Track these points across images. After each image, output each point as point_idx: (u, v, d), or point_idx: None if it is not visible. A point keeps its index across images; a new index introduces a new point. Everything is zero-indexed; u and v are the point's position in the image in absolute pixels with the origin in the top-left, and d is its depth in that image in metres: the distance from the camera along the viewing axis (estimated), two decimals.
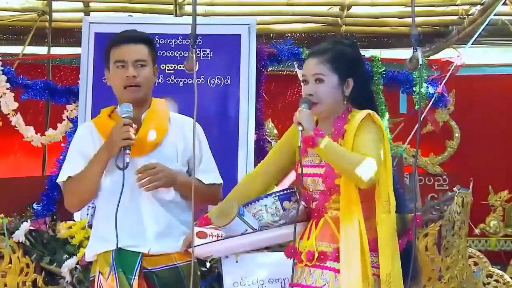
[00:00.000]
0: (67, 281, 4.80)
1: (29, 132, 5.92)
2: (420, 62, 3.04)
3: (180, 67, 5.48)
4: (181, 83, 5.61)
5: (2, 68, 5.83)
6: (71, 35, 7.27)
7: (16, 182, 5.71)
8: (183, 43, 5.61)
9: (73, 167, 3.38)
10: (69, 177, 3.38)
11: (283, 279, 4.39)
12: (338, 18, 7.29)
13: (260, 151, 5.74)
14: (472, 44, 6.19)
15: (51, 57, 7.07)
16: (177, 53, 5.57)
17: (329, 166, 3.14)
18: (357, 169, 3.00)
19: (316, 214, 3.22)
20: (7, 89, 5.81)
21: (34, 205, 5.39)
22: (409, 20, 7.29)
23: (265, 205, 3.27)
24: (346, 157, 3.05)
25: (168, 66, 5.47)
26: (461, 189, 5.04)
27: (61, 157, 5.61)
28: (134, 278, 3.27)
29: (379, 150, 3.10)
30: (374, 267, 3.09)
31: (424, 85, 5.78)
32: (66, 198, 3.44)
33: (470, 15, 7.04)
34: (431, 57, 7.17)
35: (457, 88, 6.51)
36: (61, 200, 5.26)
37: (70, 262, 4.78)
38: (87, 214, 4.89)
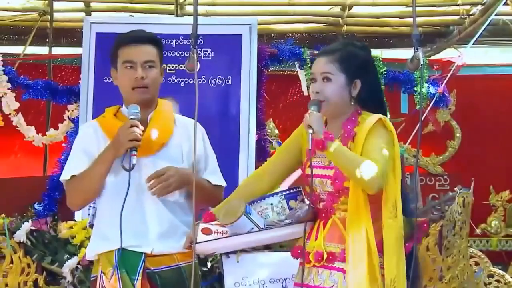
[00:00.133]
0: (68, 281, 4.80)
1: (30, 132, 5.92)
2: (421, 62, 3.04)
3: (181, 67, 5.48)
4: (182, 83, 5.62)
5: (3, 68, 5.83)
6: (72, 35, 7.27)
7: (17, 182, 5.72)
8: (184, 43, 5.62)
9: (77, 165, 3.38)
10: (73, 175, 3.37)
11: (284, 279, 4.40)
12: (339, 18, 7.29)
13: (261, 151, 5.75)
14: (473, 44, 6.19)
15: (52, 57, 7.07)
16: (178, 53, 5.58)
17: (338, 168, 3.14)
18: (365, 175, 3.00)
19: (323, 215, 3.21)
20: (8, 89, 5.82)
21: (35, 205, 5.39)
22: (410, 20, 7.27)
23: (271, 204, 3.28)
24: (355, 162, 3.04)
25: (169, 66, 5.48)
26: (462, 189, 5.03)
27: (62, 157, 5.62)
28: (137, 279, 3.27)
29: (388, 156, 3.10)
30: (382, 268, 3.08)
31: (425, 85, 5.78)
32: (68, 197, 3.43)
33: (471, 15, 7.03)
34: (432, 57, 7.17)
35: (458, 88, 6.50)
36: (62, 200, 5.30)
37: (71, 262, 4.78)
38: (88, 214, 4.89)
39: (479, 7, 6.91)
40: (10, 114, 5.84)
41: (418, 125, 3.27)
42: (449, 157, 6.96)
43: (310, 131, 3.08)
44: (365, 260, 3.03)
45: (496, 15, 6.48)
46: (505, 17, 7.10)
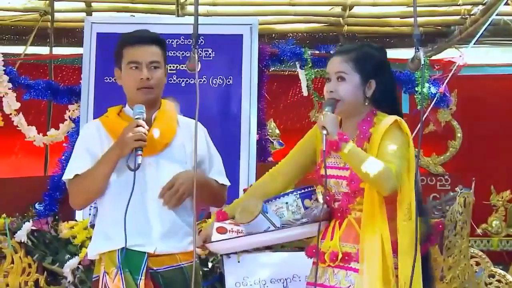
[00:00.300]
0: (69, 281, 4.80)
1: (31, 132, 5.92)
2: (422, 62, 3.04)
3: (182, 67, 5.48)
4: (183, 83, 5.62)
5: (4, 68, 5.84)
6: (73, 35, 7.27)
7: (18, 182, 5.72)
8: (185, 43, 5.62)
9: (80, 165, 3.37)
10: (76, 175, 3.37)
11: (285, 279, 4.40)
12: (340, 18, 7.29)
13: (262, 151, 5.76)
14: (474, 44, 6.19)
15: (53, 57, 7.07)
16: (179, 53, 5.58)
17: None
18: (380, 176, 3.00)
19: (339, 214, 3.21)
20: (9, 89, 5.82)
21: (36, 205, 5.40)
22: (411, 20, 7.29)
23: (286, 203, 3.29)
24: (369, 163, 3.03)
25: (170, 66, 5.48)
26: (463, 189, 5.03)
27: (63, 157, 5.63)
28: (140, 278, 3.26)
29: (403, 158, 3.09)
30: (397, 269, 3.08)
31: (426, 85, 5.78)
32: (71, 196, 3.42)
33: (472, 15, 7.03)
34: (433, 57, 7.17)
35: (459, 88, 6.49)
36: (63, 200, 5.30)
37: (72, 262, 4.78)
38: (89, 214, 4.89)
39: (480, 7, 6.91)
40: (11, 114, 5.84)
41: (419, 125, 3.26)
42: (450, 157, 6.95)
43: (324, 132, 3.07)
44: (379, 261, 3.03)
45: (497, 15, 6.48)
46: (506, 17, 7.10)
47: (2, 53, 5.98)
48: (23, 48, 7.16)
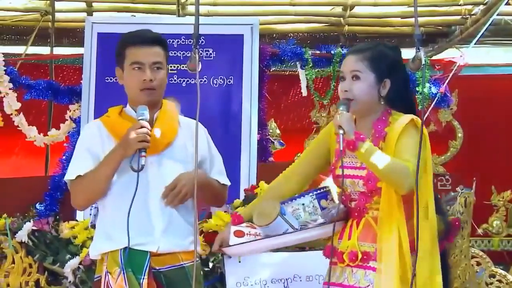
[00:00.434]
0: (69, 281, 4.80)
1: (32, 132, 5.93)
2: (423, 62, 3.03)
3: (183, 67, 5.48)
4: (184, 83, 5.62)
5: (5, 68, 5.84)
6: (74, 35, 7.28)
7: (19, 182, 5.72)
8: (186, 43, 5.62)
9: (82, 165, 3.37)
10: (78, 176, 3.37)
11: (286, 279, 4.40)
12: (341, 18, 7.29)
13: (263, 151, 5.75)
14: (475, 44, 6.19)
15: (54, 57, 7.08)
16: (180, 53, 5.58)
17: None
18: (397, 175, 2.98)
19: (356, 214, 3.20)
20: (10, 89, 5.83)
21: (37, 205, 5.39)
22: (412, 20, 7.31)
23: (303, 204, 3.27)
24: (386, 163, 3.02)
25: (170, 66, 5.44)
26: (464, 189, 5.03)
27: (64, 157, 5.63)
28: (143, 278, 3.26)
29: (420, 157, 3.06)
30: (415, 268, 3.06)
31: (427, 85, 5.78)
32: (73, 197, 3.41)
33: (473, 15, 7.03)
34: (434, 57, 7.16)
35: (460, 88, 6.49)
36: (64, 200, 5.30)
37: (73, 262, 4.78)
38: (90, 214, 4.89)
39: (481, 7, 6.91)
40: (11, 114, 5.84)
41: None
42: (451, 157, 6.95)
43: (341, 131, 3.05)
44: (397, 260, 3.01)
45: (498, 15, 6.48)
46: (507, 17, 7.09)
47: (3, 53, 5.99)
48: (24, 48, 7.16)
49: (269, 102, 6.04)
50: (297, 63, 5.90)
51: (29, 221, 4.99)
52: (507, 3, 6.49)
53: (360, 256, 3.11)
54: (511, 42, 7.75)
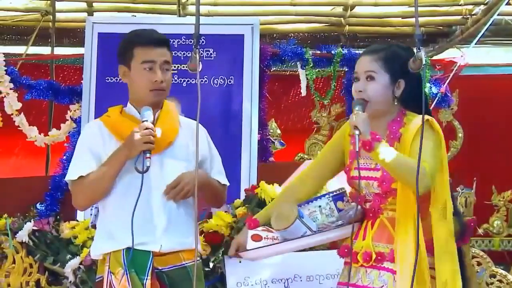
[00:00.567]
0: (70, 281, 4.80)
1: (32, 132, 5.93)
2: (424, 62, 3.03)
3: (183, 67, 5.48)
4: (184, 83, 5.62)
5: (6, 68, 5.84)
6: (74, 35, 7.28)
7: (19, 183, 5.72)
8: (187, 43, 5.61)
9: (84, 166, 3.36)
10: (80, 176, 3.37)
11: (286, 279, 4.40)
12: (342, 18, 7.29)
13: (264, 151, 5.75)
14: (475, 44, 6.19)
15: (55, 57, 7.08)
16: (181, 53, 5.58)
17: (385, 170, 3.10)
18: (413, 176, 2.93)
19: (371, 215, 3.19)
20: (11, 89, 5.82)
21: (38, 205, 5.39)
22: (413, 20, 7.30)
23: (319, 206, 3.27)
24: (403, 163, 3.01)
25: None
26: (465, 189, 5.04)
27: (65, 157, 5.63)
28: (146, 278, 3.26)
29: (436, 157, 3.07)
30: (432, 269, 3.05)
31: (428, 85, 5.77)
32: (75, 197, 3.41)
33: (473, 15, 7.03)
34: (435, 57, 7.16)
35: (460, 88, 6.49)
36: (64, 200, 5.30)
37: (74, 262, 4.78)
38: (91, 215, 4.89)
39: (482, 7, 6.91)
40: (12, 114, 5.84)
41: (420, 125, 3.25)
42: (451, 157, 6.94)
43: (357, 132, 3.03)
44: (413, 261, 2.97)
45: (498, 15, 6.47)
46: (507, 17, 7.09)
47: (4, 53, 5.98)
48: (24, 48, 7.16)
49: (270, 102, 6.04)
50: (298, 63, 5.89)
51: (30, 221, 5.00)
52: (508, 3, 6.49)
53: (374, 256, 3.10)
54: (511, 42, 7.75)
